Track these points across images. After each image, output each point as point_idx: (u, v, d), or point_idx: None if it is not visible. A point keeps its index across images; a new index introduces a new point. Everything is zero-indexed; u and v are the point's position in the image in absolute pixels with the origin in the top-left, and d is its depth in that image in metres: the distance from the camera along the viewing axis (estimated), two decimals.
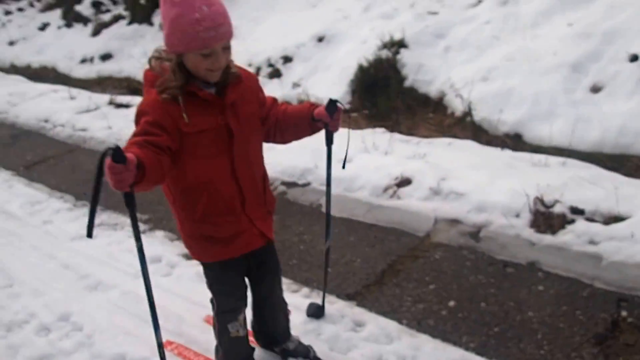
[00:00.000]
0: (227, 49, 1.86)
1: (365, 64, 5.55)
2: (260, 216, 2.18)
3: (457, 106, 4.91)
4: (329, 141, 2.33)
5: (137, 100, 5.99)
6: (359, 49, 5.76)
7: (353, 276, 3.19)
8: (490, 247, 3.30)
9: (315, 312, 2.79)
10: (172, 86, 1.86)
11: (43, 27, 10.92)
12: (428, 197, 3.81)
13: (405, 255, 3.34)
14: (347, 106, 5.40)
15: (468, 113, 4.79)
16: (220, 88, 1.96)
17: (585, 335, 2.58)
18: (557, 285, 2.92)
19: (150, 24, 8.99)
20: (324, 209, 3.94)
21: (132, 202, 1.75)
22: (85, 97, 7.22)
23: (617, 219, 3.25)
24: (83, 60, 9.17)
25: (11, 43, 10.91)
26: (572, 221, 3.31)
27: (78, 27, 10.27)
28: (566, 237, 3.22)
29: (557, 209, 3.39)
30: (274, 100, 2.23)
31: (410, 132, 5.10)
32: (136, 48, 8.50)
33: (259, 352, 2.50)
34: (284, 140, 2.28)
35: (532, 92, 4.55)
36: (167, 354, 2.46)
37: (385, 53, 5.55)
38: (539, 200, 3.44)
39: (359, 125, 5.30)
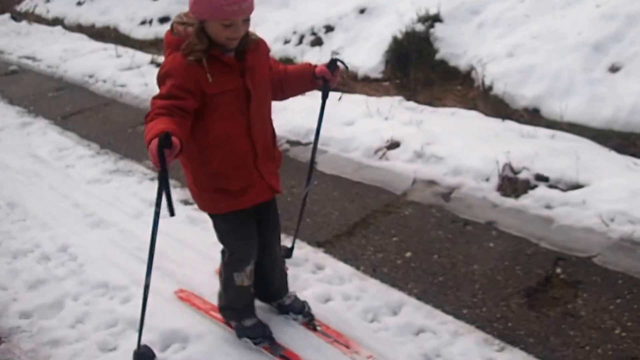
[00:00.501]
0: (247, 20, 2.05)
1: (399, 36, 5.75)
2: (269, 171, 2.34)
3: (481, 80, 5.06)
4: (325, 95, 2.50)
5: None
6: (396, 21, 5.94)
7: (327, 226, 3.53)
8: (457, 206, 3.57)
9: (284, 253, 3.03)
10: (197, 49, 2.03)
11: None
12: (412, 160, 4.08)
13: (379, 210, 3.64)
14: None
15: (490, 87, 4.93)
16: (239, 53, 2.13)
17: (517, 288, 2.85)
18: (507, 243, 3.18)
19: None
20: (319, 167, 4.29)
21: (166, 178, 1.91)
22: (130, 56, 7.68)
23: (576, 187, 3.44)
24: (142, 22, 9.50)
25: (79, 3, 11.29)
26: (535, 187, 3.53)
27: None
28: (526, 201, 3.45)
29: (524, 175, 3.62)
30: (275, 61, 2.42)
31: (431, 102, 5.24)
32: None
33: (256, 305, 2.68)
34: (284, 97, 2.47)
35: (553, 70, 4.66)
36: (178, 301, 2.83)
37: (419, 26, 5.72)
38: (509, 166, 3.66)
39: (388, 93, 5.51)
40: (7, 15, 12.12)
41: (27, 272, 3.28)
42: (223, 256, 2.48)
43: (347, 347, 2.47)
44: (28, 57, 8.60)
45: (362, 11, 6.64)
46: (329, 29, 6.68)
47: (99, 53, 8.21)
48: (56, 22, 11.06)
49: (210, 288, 2.78)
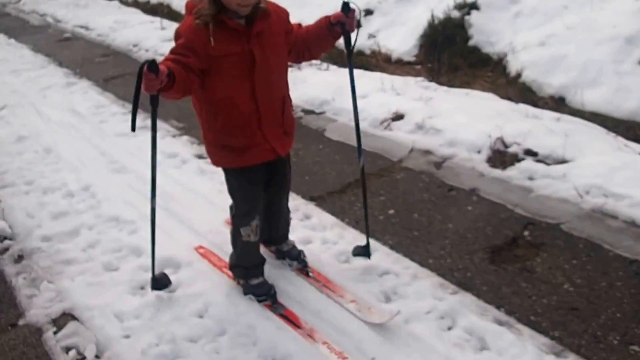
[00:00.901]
0: None
1: (434, 21, 5.89)
2: (274, 134, 2.44)
3: (512, 67, 5.15)
4: (347, 42, 2.48)
5: None
6: (435, 7, 6.04)
7: (322, 184, 3.81)
8: (445, 174, 3.79)
9: (359, 251, 2.88)
10: (205, 14, 2.18)
11: None
12: (412, 131, 4.32)
13: (373, 174, 3.90)
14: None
15: (519, 74, 5.02)
16: (250, 20, 2.25)
17: (484, 245, 3.07)
18: (484, 208, 3.39)
19: None
20: (326, 134, 4.57)
21: (155, 102, 2.20)
22: (174, 28, 8.10)
23: (561, 162, 3.62)
24: None
25: None
26: (522, 160, 3.72)
27: None
28: (511, 172, 3.65)
29: (513, 149, 3.81)
30: (299, 25, 2.50)
31: (454, 85, 5.31)
32: None
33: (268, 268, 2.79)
34: (312, 55, 2.57)
35: (583, 60, 4.71)
36: (196, 255, 3.04)
37: (455, 13, 5.83)
38: (500, 140, 3.85)
39: (419, 75, 5.60)
40: None
41: (53, 205, 3.70)
42: (231, 210, 2.65)
43: (334, 291, 2.68)
44: (82, 27, 9.15)
45: None
46: (368, 12, 6.82)
47: (145, 25, 8.67)
48: None
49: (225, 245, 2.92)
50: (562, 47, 4.93)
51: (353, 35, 2.46)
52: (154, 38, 7.83)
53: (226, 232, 2.86)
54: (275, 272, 2.81)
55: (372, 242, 3.06)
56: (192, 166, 4.13)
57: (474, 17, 5.75)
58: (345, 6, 2.35)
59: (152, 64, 1.98)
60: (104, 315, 2.66)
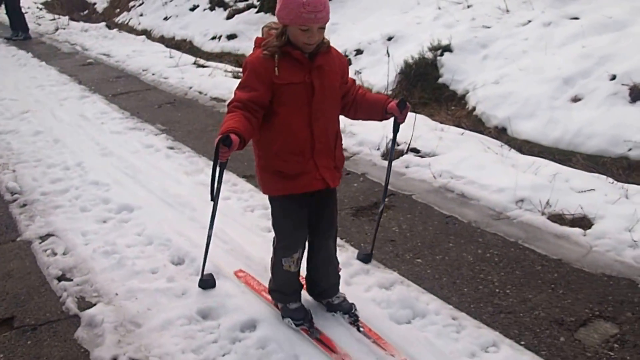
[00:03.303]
0: (322, 29, 2.37)
1: (410, 60, 6.76)
2: (325, 165, 2.56)
3: (470, 102, 6.00)
4: (396, 131, 2.88)
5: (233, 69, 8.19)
6: (414, 49, 6.89)
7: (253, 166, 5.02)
8: (348, 164, 4.95)
9: (363, 257, 3.40)
10: (273, 45, 2.39)
11: (193, 8, 12.73)
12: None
13: None
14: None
15: (474, 107, 5.90)
16: (312, 55, 2.44)
17: (352, 206, 4.21)
18: (366, 185, 4.55)
19: (273, 13, 10.53)
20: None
21: (223, 166, 2.51)
22: (179, 57, 9.54)
23: (431, 156, 4.79)
24: (213, 37, 10.95)
25: (165, 18, 13.04)
26: (405, 154, 4.89)
27: (218, 10, 11.96)
28: (396, 162, 4.81)
29: (401, 147, 4.98)
30: (354, 81, 2.72)
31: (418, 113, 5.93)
32: (257, 32, 9.98)
33: (308, 302, 2.94)
34: (355, 117, 2.77)
35: (525, 96, 5.51)
36: (237, 281, 3.21)
37: (429, 54, 6.70)
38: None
39: None
40: (103, 24, 14.41)
41: (53, 174, 4.95)
42: (274, 241, 2.76)
43: (385, 349, 2.62)
44: (104, 54, 10.66)
45: (389, 39, 7.73)
46: (359, 52, 7.86)
47: (157, 54, 10.14)
48: (144, 32, 12.90)
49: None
50: (511, 85, 5.72)
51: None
52: (161, 65, 9.25)
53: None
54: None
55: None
56: (162, 153, 5.39)
57: (445, 58, 6.59)
58: (402, 103, 2.62)
59: (226, 140, 2.25)
60: (74, 233, 3.86)
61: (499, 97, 5.68)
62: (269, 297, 2.94)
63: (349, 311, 2.81)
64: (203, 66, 9.10)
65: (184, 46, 11.26)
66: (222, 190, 4.45)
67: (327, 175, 2.57)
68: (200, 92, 7.57)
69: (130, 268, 3.41)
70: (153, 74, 8.82)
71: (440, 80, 6.39)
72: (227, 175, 4.72)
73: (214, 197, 2.64)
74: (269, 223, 3.86)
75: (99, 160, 5.21)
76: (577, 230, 3.60)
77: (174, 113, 6.82)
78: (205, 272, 3.14)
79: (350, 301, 2.88)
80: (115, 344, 2.79)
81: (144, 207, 4.20)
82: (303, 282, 2.91)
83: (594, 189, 4.04)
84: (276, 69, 2.38)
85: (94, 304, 3.11)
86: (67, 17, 15.06)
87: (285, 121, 2.45)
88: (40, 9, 17.12)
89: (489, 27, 6.96)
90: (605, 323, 2.85)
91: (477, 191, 4.21)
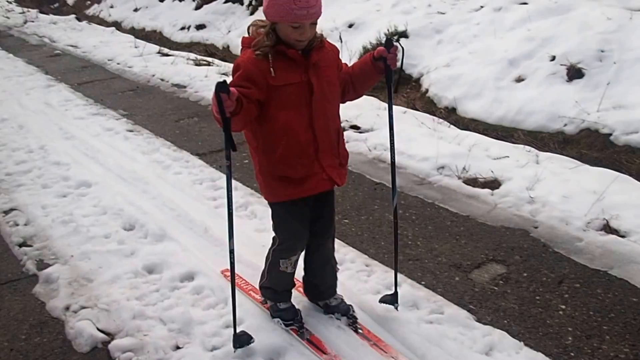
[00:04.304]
0: (313, 24, 2.24)
1: (368, 46, 7.04)
2: (331, 164, 2.46)
3: (424, 85, 6.32)
4: (389, 78, 2.48)
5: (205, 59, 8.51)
6: (373, 35, 7.20)
7: (208, 146, 5.40)
8: None
9: (390, 300, 2.84)
10: (264, 45, 2.23)
11: None
12: None
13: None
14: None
15: (427, 90, 6.21)
16: (306, 51, 2.30)
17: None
18: None
19: (241, 3, 10.69)
20: None
21: (228, 127, 2.10)
22: (143, 46, 9.85)
23: (369, 131, 5.21)
24: (182, 28, 11.19)
25: (135, 10, 13.26)
26: (346, 130, 5.30)
27: (187, 1, 12.12)
28: None
29: (343, 124, 5.37)
30: (346, 65, 2.57)
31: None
32: (225, 22, 10.42)
33: (305, 304, 2.88)
34: (357, 92, 2.56)
35: (473, 78, 5.72)
36: (223, 280, 3.15)
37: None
38: None
39: None
40: (72, 16, 14.59)
41: (17, 157, 5.27)
42: (273, 242, 2.66)
43: (385, 351, 2.54)
44: (71, 46, 10.91)
45: (350, 26, 8.05)
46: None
47: (123, 44, 10.43)
48: (115, 24, 13.07)
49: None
50: (461, 68, 6.04)
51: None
52: (127, 54, 9.55)
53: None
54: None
55: (203, 163, 4.61)
56: (121, 135, 5.74)
57: (402, 44, 6.50)
58: (388, 42, 2.39)
59: (223, 85, 2.02)
60: (35, 207, 4.21)
61: (449, 80, 6.01)
62: (258, 297, 2.88)
63: (346, 313, 2.73)
64: (167, 55, 9.42)
65: (154, 37, 11.48)
66: (174, 166, 4.89)
67: (333, 174, 2.47)
68: (162, 80, 7.90)
69: (85, 234, 3.78)
70: (118, 64, 9.13)
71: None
72: (180, 153, 5.14)
73: (231, 151, 2.23)
74: (214, 193, 4.35)
75: (61, 143, 5.54)
76: (486, 191, 4.04)
77: (135, 99, 7.16)
78: (237, 330, 2.64)
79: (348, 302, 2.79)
80: (68, 296, 3.17)
81: (101, 182, 4.56)
82: (296, 282, 2.81)
83: (508, 156, 4.49)
84: (272, 69, 2.23)
85: (51, 265, 3.47)
86: (36, 10, 15.21)
87: (286, 125, 2.32)
88: (10, 2, 17.21)
89: (443, 13, 7.33)
90: (496, 265, 3.30)
91: (405, 160, 4.64)
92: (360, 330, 2.68)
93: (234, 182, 4.34)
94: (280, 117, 2.31)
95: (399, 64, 2.49)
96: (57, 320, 3.00)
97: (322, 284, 2.78)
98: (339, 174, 2.52)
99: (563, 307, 2.92)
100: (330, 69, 2.41)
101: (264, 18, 2.31)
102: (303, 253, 2.73)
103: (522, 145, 4.82)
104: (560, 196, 3.79)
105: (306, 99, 2.32)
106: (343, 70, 2.52)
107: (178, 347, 2.73)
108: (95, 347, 2.79)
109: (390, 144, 2.71)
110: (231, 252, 2.43)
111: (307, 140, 2.36)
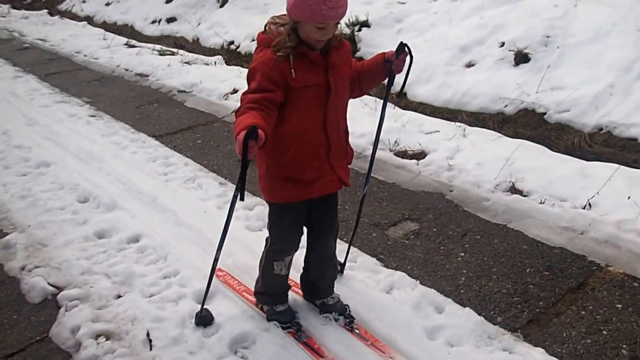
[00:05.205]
0: (337, 24, 2.18)
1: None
2: (340, 164, 2.43)
3: None
4: (390, 81, 2.53)
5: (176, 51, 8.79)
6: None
7: (165, 128, 5.74)
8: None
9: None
10: (286, 46, 2.16)
11: None
12: (238, 99, 6.29)
13: (201, 123, 5.83)
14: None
15: None
16: (324, 50, 2.24)
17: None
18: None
19: None
20: (187, 103, 6.50)
21: (246, 168, 2.06)
22: (112, 39, 10.12)
23: None
24: (153, 21, 11.36)
25: (107, 4, 13.40)
26: None
27: None
28: None
29: None
30: (355, 60, 2.53)
31: None
32: (195, 15, 10.61)
33: (300, 303, 2.85)
34: (362, 90, 2.52)
35: (426, 64, 5.98)
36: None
37: (347, 30, 7.22)
38: None
39: None
40: (45, 11, 14.74)
41: None
42: (266, 243, 2.61)
43: (383, 352, 2.53)
44: (41, 39, 11.13)
45: None
46: None
47: (92, 37, 10.69)
48: (87, 19, 13.23)
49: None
50: (415, 55, 6.25)
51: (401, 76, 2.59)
52: (94, 46, 9.82)
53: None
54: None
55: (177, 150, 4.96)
56: (83, 121, 6.05)
57: (363, 33, 7.20)
58: (400, 47, 2.39)
59: (252, 133, 1.93)
60: None
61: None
62: (252, 298, 2.83)
63: (343, 312, 2.70)
64: (133, 46, 9.70)
65: (126, 31, 11.65)
66: (131, 146, 5.23)
67: (343, 174, 2.45)
68: (126, 69, 8.20)
69: (43, 207, 4.11)
70: (85, 55, 9.40)
71: (358, 53, 6.86)
72: (138, 135, 5.47)
73: (240, 197, 2.16)
74: (166, 169, 4.69)
75: (24, 129, 5.83)
76: (412, 162, 4.44)
77: (100, 88, 7.46)
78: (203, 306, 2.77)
79: (345, 303, 2.78)
80: (24, 258, 3.50)
81: (60, 162, 4.87)
82: (291, 283, 2.81)
83: (438, 131, 4.89)
84: (292, 70, 2.17)
85: (10, 233, 3.79)
86: (8, 6, 15.34)
87: (299, 127, 2.27)
88: None
89: (403, 3, 7.65)
90: (411, 223, 3.69)
91: None
92: (357, 331, 2.65)
93: (184, 158, 4.76)
94: (293, 119, 2.25)
95: (405, 70, 2.51)
96: (14, 279, 3.33)
97: (321, 283, 2.73)
98: (347, 173, 2.50)
99: (462, 254, 3.32)
100: (345, 67, 2.37)
101: (281, 14, 2.24)
102: (303, 252, 2.71)
103: (453, 122, 5.19)
104: (476, 163, 4.20)
105: (322, 100, 2.27)
106: (353, 68, 2.48)
107: (119, 296, 3.08)
108: (46, 298, 3.13)
109: (375, 141, 2.77)
110: (215, 260, 2.55)
111: (320, 142, 2.33)
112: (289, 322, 2.65)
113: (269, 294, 2.69)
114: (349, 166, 2.58)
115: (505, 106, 5.26)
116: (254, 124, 1.96)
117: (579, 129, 4.68)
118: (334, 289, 2.80)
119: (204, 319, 2.73)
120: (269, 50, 2.20)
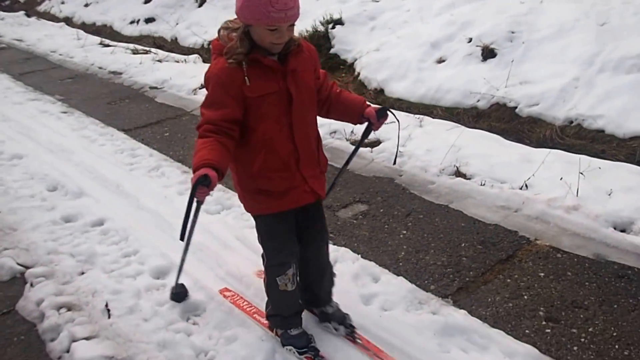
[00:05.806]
0: (291, 26, 2.05)
1: (305, 34, 7.38)
2: (312, 174, 2.31)
3: (357, 68, 6.66)
4: (365, 135, 2.57)
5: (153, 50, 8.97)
6: (310, 23, 7.52)
7: (136, 122, 5.95)
8: None
9: None
10: (238, 52, 2.05)
11: None
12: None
13: (171, 117, 6.05)
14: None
15: (359, 73, 6.60)
16: (282, 56, 2.13)
17: None
18: None
19: None
20: (158, 99, 6.71)
21: (200, 205, 2.22)
22: (85, 38, 10.27)
23: None
24: (132, 22, 11.44)
25: (86, 5, 13.45)
26: None
27: None
28: None
29: None
30: (326, 74, 2.41)
31: None
32: (174, 15, 10.73)
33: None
34: (328, 116, 2.46)
35: (399, 61, 6.09)
36: (224, 300, 2.92)
37: (321, 27, 7.38)
38: None
39: None
40: (22, 12, 14.82)
41: None
42: (263, 260, 2.48)
43: None
44: (17, 40, 11.26)
45: None
46: None
47: (67, 37, 10.84)
48: (66, 20, 13.27)
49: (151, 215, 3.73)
50: (389, 52, 6.45)
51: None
52: (70, 46, 9.99)
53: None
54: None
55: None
56: (54, 116, 6.24)
57: (337, 31, 7.28)
58: (382, 111, 2.39)
59: (204, 180, 1.95)
60: None
61: (378, 63, 6.43)
62: (263, 320, 2.69)
63: (343, 321, 2.61)
64: (108, 45, 9.88)
65: (105, 31, 11.74)
66: (99, 139, 5.43)
67: (316, 185, 2.33)
68: (100, 68, 8.39)
69: (13, 195, 4.31)
70: (60, 55, 9.56)
71: (332, 50, 7.02)
72: (107, 129, 5.68)
73: (186, 238, 2.23)
74: (132, 160, 4.92)
75: (5, 130, 6.00)
76: (367, 149, 4.69)
77: (73, 86, 7.64)
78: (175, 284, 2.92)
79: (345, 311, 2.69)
80: None
81: (31, 155, 5.07)
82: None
83: (394, 122, 5.12)
84: (246, 78, 2.06)
85: None
86: None
87: (265, 137, 2.17)
88: None
89: (377, 1, 7.78)
90: (361, 205, 3.95)
91: None
92: (359, 341, 2.58)
93: (150, 150, 4.98)
94: (258, 129, 2.15)
95: (380, 130, 2.53)
96: None
97: (319, 290, 2.64)
98: (321, 184, 2.39)
99: (404, 232, 3.58)
100: (309, 74, 2.25)
101: (234, 18, 2.13)
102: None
103: (412, 114, 5.44)
104: (425, 150, 4.46)
105: (285, 109, 2.16)
106: (322, 79, 2.38)
107: (82, 273, 3.29)
108: (15, 276, 3.34)
109: (338, 174, 2.89)
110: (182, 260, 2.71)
111: (288, 152, 2.22)
112: (305, 347, 2.49)
113: (281, 315, 2.53)
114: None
115: (478, 101, 5.39)
116: (206, 163, 1.98)
117: (550, 122, 4.83)
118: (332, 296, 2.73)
119: (177, 295, 2.88)
120: (222, 59, 2.11)
